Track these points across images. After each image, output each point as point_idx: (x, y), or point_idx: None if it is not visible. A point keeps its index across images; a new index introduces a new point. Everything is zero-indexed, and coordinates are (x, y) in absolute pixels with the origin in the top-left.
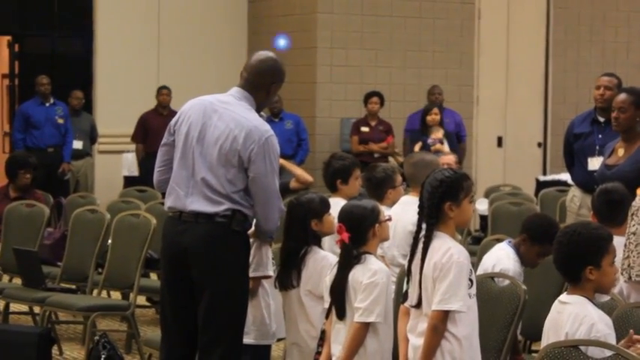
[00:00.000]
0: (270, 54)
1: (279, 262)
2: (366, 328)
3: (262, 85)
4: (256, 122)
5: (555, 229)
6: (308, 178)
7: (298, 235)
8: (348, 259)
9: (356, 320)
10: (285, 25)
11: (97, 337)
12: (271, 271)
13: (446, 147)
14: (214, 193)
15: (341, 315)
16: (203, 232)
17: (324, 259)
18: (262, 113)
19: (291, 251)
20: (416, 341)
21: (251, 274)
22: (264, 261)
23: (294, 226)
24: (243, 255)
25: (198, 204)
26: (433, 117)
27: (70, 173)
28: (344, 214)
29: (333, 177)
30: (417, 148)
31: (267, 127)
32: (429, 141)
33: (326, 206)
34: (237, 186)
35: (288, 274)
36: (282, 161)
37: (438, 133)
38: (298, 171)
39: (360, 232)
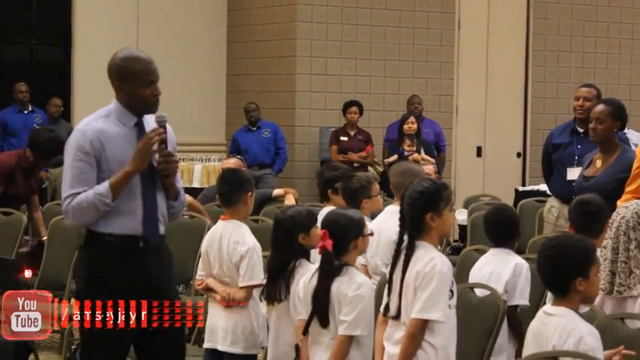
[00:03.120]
0: (116, 54)
1: (267, 275)
2: (350, 341)
3: (114, 87)
4: (80, 124)
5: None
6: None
7: (285, 249)
8: (329, 268)
9: (341, 333)
10: (264, 34)
11: (74, 346)
12: (262, 279)
13: (423, 155)
14: None
15: (324, 324)
16: None
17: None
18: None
19: (279, 264)
20: (392, 349)
21: (241, 284)
22: (252, 269)
23: (281, 239)
24: (81, 272)
25: None
26: (410, 126)
27: (48, 181)
28: (329, 222)
29: (325, 187)
30: (392, 159)
31: (82, 123)
32: (406, 153)
33: (313, 219)
34: None
35: (276, 287)
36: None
37: (412, 146)
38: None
39: (343, 242)
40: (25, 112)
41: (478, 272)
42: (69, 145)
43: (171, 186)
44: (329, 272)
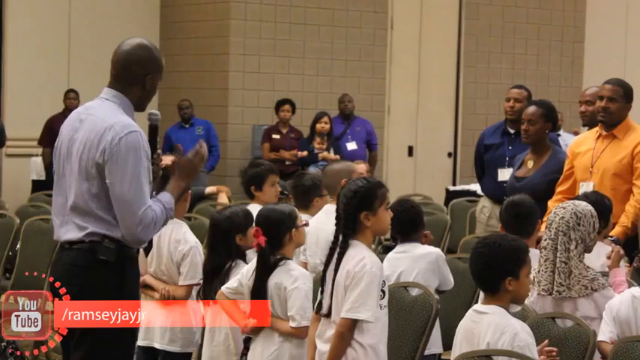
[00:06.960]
0: (139, 41)
1: (203, 275)
2: (306, 331)
3: (133, 79)
4: (114, 120)
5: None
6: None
7: (222, 250)
8: (265, 265)
9: (292, 326)
10: (197, 31)
11: (4, 344)
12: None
13: (332, 154)
14: (83, 215)
15: None
16: (66, 262)
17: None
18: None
19: (215, 265)
20: (322, 347)
21: (182, 282)
22: (194, 268)
23: (218, 240)
24: (112, 291)
25: (71, 233)
26: (323, 125)
27: None
28: (261, 218)
29: (248, 184)
30: (301, 154)
31: (126, 123)
32: (316, 150)
33: (250, 220)
34: (104, 201)
35: (212, 288)
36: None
37: (322, 144)
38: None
39: (277, 237)
40: None
41: (389, 269)
42: (132, 148)
43: None
44: (265, 269)
